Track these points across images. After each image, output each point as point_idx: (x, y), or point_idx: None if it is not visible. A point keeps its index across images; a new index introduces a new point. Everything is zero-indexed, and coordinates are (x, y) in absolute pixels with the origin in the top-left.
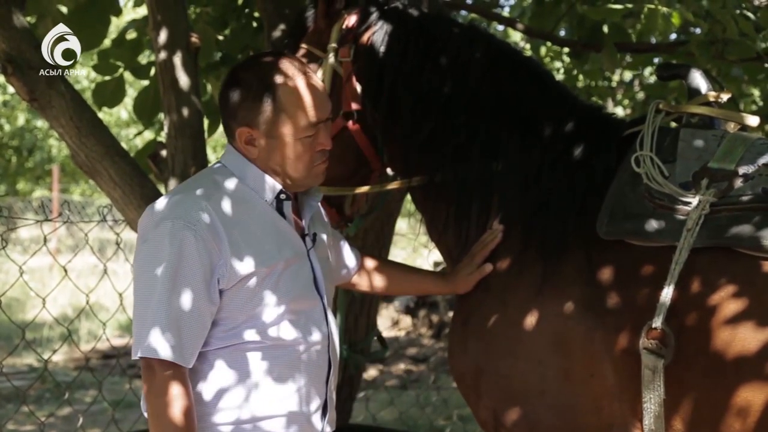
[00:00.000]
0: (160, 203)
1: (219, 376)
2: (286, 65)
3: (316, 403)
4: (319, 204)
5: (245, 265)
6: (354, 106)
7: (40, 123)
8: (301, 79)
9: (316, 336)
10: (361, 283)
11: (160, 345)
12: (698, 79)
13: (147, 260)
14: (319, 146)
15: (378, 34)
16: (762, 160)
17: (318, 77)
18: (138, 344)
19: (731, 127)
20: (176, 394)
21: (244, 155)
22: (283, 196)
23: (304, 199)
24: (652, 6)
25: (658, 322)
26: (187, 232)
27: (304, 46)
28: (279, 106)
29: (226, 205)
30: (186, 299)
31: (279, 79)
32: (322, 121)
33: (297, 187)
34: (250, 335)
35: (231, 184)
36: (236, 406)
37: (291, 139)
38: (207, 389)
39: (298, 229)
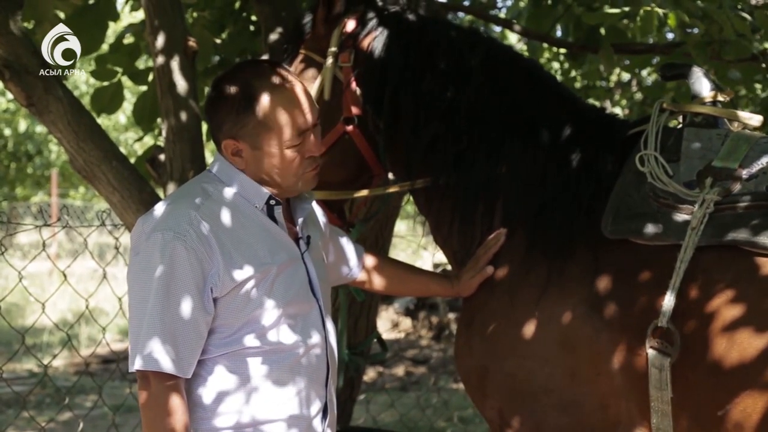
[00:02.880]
0: (150, 215)
1: (218, 381)
2: (270, 75)
3: (316, 406)
4: (315, 204)
5: (238, 273)
6: (354, 110)
7: (40, 128)
8: (285, 88)
9: (313, 339)
10: (366, 281)
11: (156, 356)
12: (701, 79)
13: (139, 273)
14: (307, 153)
15: (379, 39)
16: (766, 159)
17: (316, 83)
18: (134, 357)
19: (735, 126)
20: (171, 405)
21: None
22: (272, 201)
23: (296, 203)
24: (649, 8)
25: (663, 321)
26: (178, 242)
27: (303, 51)
28: (262, 118)
29: (216, 214)
30: (180, 310)
31: (262, 90)
32: (310, 128)
33: (288, 193)
34: (248, 341)
35: (220, 192)
36: (236, 411)
37: (277, 150)
38: (206, 394)
39: (291, 233)
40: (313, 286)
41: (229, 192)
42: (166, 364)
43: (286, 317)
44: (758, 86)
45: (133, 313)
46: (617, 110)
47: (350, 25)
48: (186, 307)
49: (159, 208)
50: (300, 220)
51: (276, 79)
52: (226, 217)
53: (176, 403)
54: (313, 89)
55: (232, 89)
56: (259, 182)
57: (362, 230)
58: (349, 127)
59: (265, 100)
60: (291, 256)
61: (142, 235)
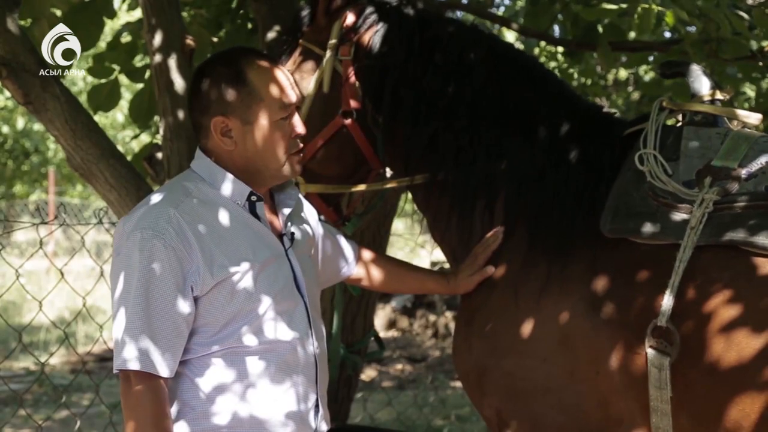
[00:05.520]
0: (131, 215)
1: (206, 381)
2: (252, 53)
3: (307, 403)
4: (303, 200)
5: (219, 270)
6: (353, 104)
7: (37, 126)
8: (268, 63)
9: (299, 336)
10: (363, 278)
11: (135, 356)
12: (700, 77)
13: (120, 272)
14: (293, 132)
15: (380, 32)
16: (765, 158)
17: (314, 76)
18: (116, 357)
19: (734, 124)
20: (151, 405)
21: (216, 157)
22: (254, 197)
23: (280, 198)
24: (646, 5)
25: (662, 321)
26: (156, 241)
27: (302, 43)
28: (251, 88)
29: (197, 211)
30: (160, 309)
31: (248, 65)
32: (294, 104)
33: (275, 179)
34: (234, 340)
35: (201, 189)
36: (225, 410)
37: (266, 122)
38: (195, 395)
39: (274, 229)
40: (298, 283)
41: (209, 189)
42: (145, 364)
43: (271, 315)
44: (751, 92)
45: (115, 313)
46: (614, 109)
47: (351, 17)
48: (166, 306)
49: (139, 208)
50: (284, 216)
51: (260, 57)
52: (206, 214)
53: (155, 402)
54: (312, 82)
55: (218, 68)
56: (246, 170)
57: (358, 225)
58: (348, 121)
59: (252, 72)
60: (274, 252)
61: (123, 235)
